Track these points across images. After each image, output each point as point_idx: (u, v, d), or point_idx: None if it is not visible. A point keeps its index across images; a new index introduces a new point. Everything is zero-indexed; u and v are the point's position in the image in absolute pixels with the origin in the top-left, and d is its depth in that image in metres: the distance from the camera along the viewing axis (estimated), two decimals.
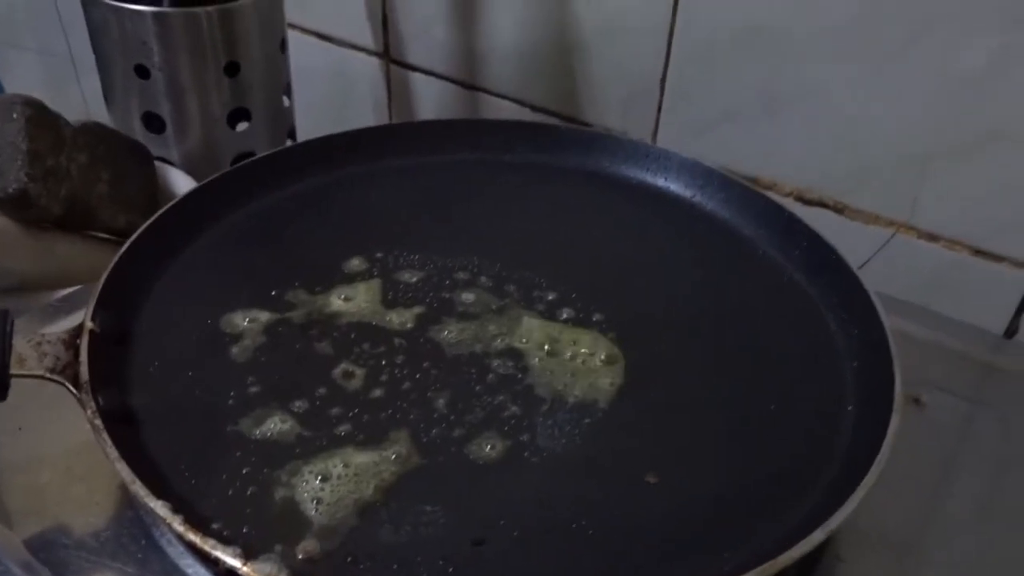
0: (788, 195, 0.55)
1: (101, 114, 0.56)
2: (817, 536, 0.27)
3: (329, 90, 0.73)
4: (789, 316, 0.40)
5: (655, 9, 0.54)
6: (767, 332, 0.39)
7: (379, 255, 0.41)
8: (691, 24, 0.54)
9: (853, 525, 0.34)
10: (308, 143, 0.48)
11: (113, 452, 0.29)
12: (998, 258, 0.49)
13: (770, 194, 0.55)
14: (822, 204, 0.54)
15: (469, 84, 0.65)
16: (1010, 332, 0.51)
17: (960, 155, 0.48)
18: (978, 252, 0.50)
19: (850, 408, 0.34)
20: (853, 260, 0.53)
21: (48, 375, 0.32)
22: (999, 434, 0.40)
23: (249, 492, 0.30)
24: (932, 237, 0.51)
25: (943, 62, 0.46)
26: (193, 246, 0.42)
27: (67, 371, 0.32)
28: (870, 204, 0.52)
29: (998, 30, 0.44)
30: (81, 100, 0.96)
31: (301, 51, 0.68)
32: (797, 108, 0.52)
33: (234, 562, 0.26)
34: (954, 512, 0.36)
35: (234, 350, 0.35)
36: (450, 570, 0.28)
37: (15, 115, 0.43)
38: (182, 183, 0.53)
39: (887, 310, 0.45)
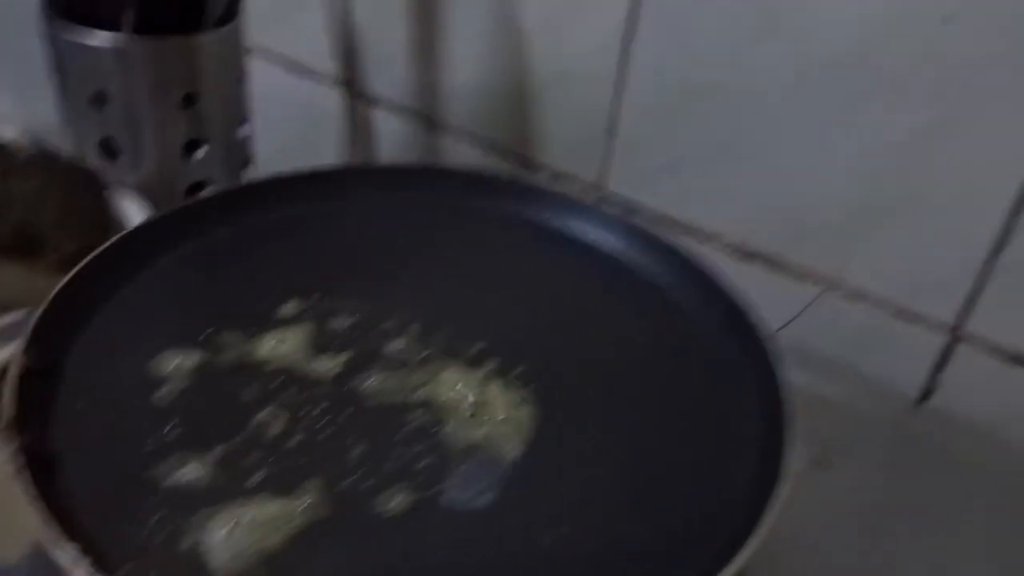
0: (727, 246, 0.57)
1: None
2: None
3: (292, 121, 0.74)
4: (705, 375, 0.41)
5: (607, 59, 0.56)
6: (681, 390, 0.40)
7: (314, 299, 0.43)
8: (641, 76, 0.55)
9: None
10: (257, 182, 0.50)
11: (31, 491, 0.30)
12: (916, 318, 0.51)
13: (710, 246, 0.57)
14: (758, 257, 0.56)
15: (428, 120, 0.67)
16: (926, 393, 0.53)
17: (886, 217, 0.50)
18: (899, 312, 0.52)
19: (753, 471, 0.36)
20: (785, 314, 0.55)
21: None
22: (904, 498, 0.42)
23: (159, 538, 0.31)
24: (858, 295, 0.53)
25: (873, 130, 0.48)
26: (134, 282, 0.43)
27: None
28: (804, 259, 0.54)
29: (921, 107, 0.46)
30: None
31: (265, 79, 0.70)
32: (739, 163, 0.54)
33: None
34: (856, 571, 0.38)
35: (160, 392, 0.37)
36: None
37: None
38: (134, 211, 0.54)
39: (809, 368, 0.48)
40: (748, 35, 0.50)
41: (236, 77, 0.57)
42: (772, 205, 0.54)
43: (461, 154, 0.66)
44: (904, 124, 0.47)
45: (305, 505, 0.33)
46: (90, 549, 0.29)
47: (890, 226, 0.50)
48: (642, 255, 0.48)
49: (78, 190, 0.51)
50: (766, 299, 0.44)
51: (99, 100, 0.53)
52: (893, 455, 0.44)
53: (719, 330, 0.43)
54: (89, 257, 0.42)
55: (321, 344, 0.40)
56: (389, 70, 0.67)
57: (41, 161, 0.49)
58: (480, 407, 0.38)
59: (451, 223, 0.50)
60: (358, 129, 0.72)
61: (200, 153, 0.57)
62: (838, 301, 0.54)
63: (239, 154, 0.60)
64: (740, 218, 0.56)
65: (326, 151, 0.74)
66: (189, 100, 0.55)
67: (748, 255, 0.56)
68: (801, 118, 0.50)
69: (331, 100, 0.72)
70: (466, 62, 0.63)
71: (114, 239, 0.44)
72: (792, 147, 0.52)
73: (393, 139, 0.70)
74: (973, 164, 0.46)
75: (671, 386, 0.41)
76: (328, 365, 0.39)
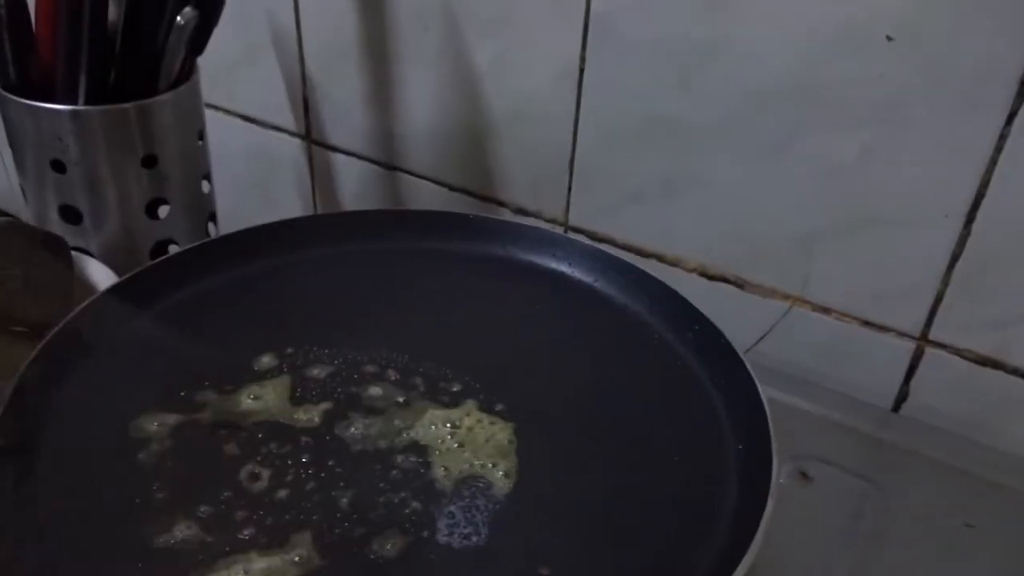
0: (693, 271, 0.58)
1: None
2: None
3: (253, 171, 0.74)
4: (681, 399, 0.42)
5: (560, 98, 0.57)
6: (662, 415, 0.41)
7: (290, 351, 0.43)
8: (594, 113, 0.57)
9: None
10: (222, 238, 0.50)
11: (19, 569, 0.30)
12: (884, 328, 0.53)
13: (675, 271, 0.58)
14: (724, 279, 0.57)
15: (389, 165, 0.68)
16: (900, 399, 0.54)
17: (841, 235, 0.52)
18: (866, 323, 0.53)
19: (734, 491, 0.36)
20: (755, 332, 0.56)
21: None
22: (882, 506, 0.43)
23: None
24: (824, 310, 0.54)
25: (819, 154, 0.50)
26: (105, 346, 0.42)
27: None
28: (767, 279, 0.56)
29: (865, 125, 0.48)
30: (5, 177, 0.95)
31: (225, 133, 0.70)
32: (692, 191, 0.55)
33: None
34: None
35: (141, 455, 0.36)
36: None
37: None
38: (99, 274, 0.53)
39: (782, 384, 0.48)
40: (692, 66, 0.51)
41: (195, 135, 0.57)
42: (730, 229, 0.56)
43: (424, 197, 0.67)
44: (852, 143, 0.49)
45: (297, 558, 0.32)
46: None
47: (847, 242, 0.52)
48: (611, 283, 0.49)
49: (42, 257, 0.50)
50: (734, 319, 0.45)
51: (58, 167, 0.53)
52: (871, 463, 0.45)
53: (693, 353, 0.44)
54: (57, 328, 0.41)
55: (300, 395, 0.40)
56: (346, 120, 0.68)
57: (3, 231, 0.48)
58: (464, 445, 0.38)
59: (418, 266, 0.51)
60: (320, 178, 0.73)
61: (163, 212, 0.57)
62: (805, 317, 0.55)
63: (202, 210, 0.60)
64: (701, 244, 0.57)
65: (288, 202, 0.74)
66: (149, 161, 0.55)
67: (712, 278, 0.57)
68: (750, 144, 0.52)
69: (290, 152, 0.73)
70: (422, 106, 0.64)
71: (81, 306, 0.43)
72: (744, 173, 0.53)
73: (355, 186, 0.70)
74: (922, 178, 0.48)
75: (649, 412, 0.41)
76: (309, 415, 0.39)
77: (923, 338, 0.52)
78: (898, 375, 0.54)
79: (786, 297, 0.55)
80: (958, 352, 0.51)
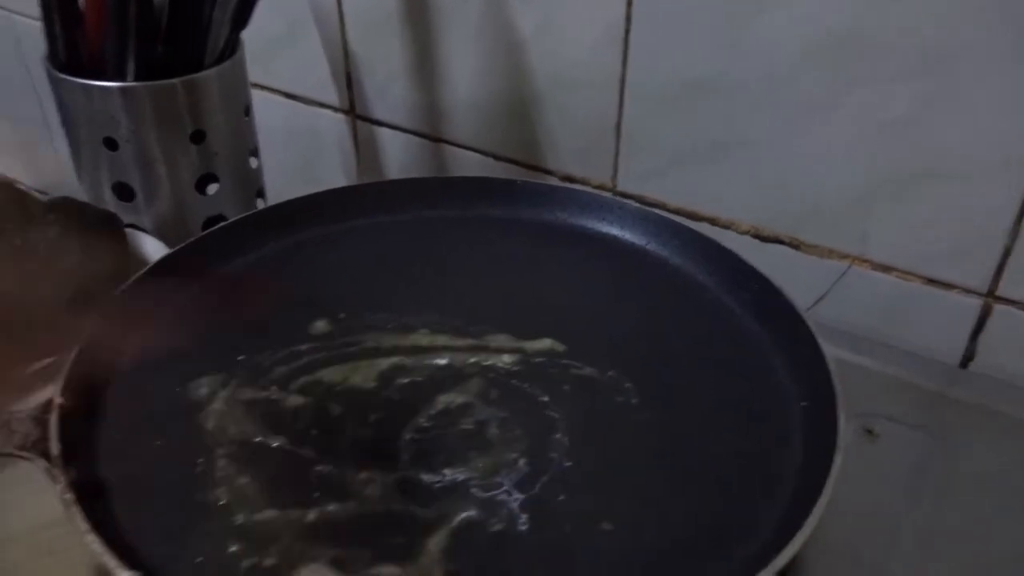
0: (746, 233, 0.57)
1: (73, 173, 0.58)
2: None
3: (298, 148, 0.75)
4: (743, 358, 0.41)
5: (606, 62, 0.56)
6: (722, 374, 0.40)
7: (342, 315, 0.43)
8: (640, 77, 0.56)
9: (809, 556, 0.36)
10: (272, 208, 0.50)
11: (83, 525, 0.30)
12: (948, 286, 0.51)
13: (728, 233, 0.57)
14: (778, 241, 0.56)
15: (433, 137, 0.67)
16: (967, 358, 0.52)
17: (899, 191, 0.50)
18: (930, 281, 0.52)
19: (799, 447, 0.36)
20: (812, 293, 0.55)
21: (17, 452, 0.32)
22: (949, 462, 0.41)
23: (216, 561, 0.30)
24: (885, 268, 0.53)
25: (872, 108, 0.48)
26: (162, 313, 0.43)
27: (37, 447, 0.33)
28: (823, 239, 0.54)
29: (916, 76, 0.46)
30: (54, 161, 0.97)
31: (269, 111, 0.70)
32: (743, 152, 0.54)
33: None
34: (907, 538, 0.37)
35: (201, 417, 0.36)
36: None
37: None
38: (153, 248, 0.54)
39: (844, 343, 0.47)
40: (738, 23, 0.50)
41: (241, 110, 0.58)
42: (784, 190, 0.54)
43: (469, 168, 0.66)
44: (906, 95, 0.47)
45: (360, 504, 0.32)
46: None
47: (906, 198, 0.50)
48: (664, 246, 0.48)
49: (97, 233, 0.51)
50: (790, 281, 0.44)
51: (110, 145, 0.54)
52: (937, 420, 0.44)
53: (751, 312, 0.43)
54: (115, 296, 0.42)
55: (355, 357, 0.40)
56: (389, 93, 0.68)
57: (60, 208, 0.49)
58: (519, 409, 0.38)
59: (466, 233, 0.50)
60: (364, 153, 0.73)
61: (212, 188, 0.57)
62: (865, 276, 0.53)
63: (250, 186, 0.60)
64: (753, 205, 0.56)
65: (333, 179, 0.74)
66: (198, 137, 0.55)
67: (766, 240, 0.56)
68: (800, 101, 0.51)
69: (334, 127, 0.73)
70: (465, 76, 0.63)
71: (137, 275, 0.44)
72: (795, 132, 0.52)
73: (400, 160, 0.70)
74: (980, 128, 0.46)
75: (709, 372, 0.40)
76: (364, 377, 0.39)
77: (990, 294, 0.50)
78: (964, 333, 0.52)
79: (844, 257, 0.54)
80: None
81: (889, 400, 0.44)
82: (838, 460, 0.32)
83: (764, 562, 0.29)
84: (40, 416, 0.34)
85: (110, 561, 0.29)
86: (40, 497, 0.33)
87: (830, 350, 0.38)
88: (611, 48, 0.55)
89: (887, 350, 0.49)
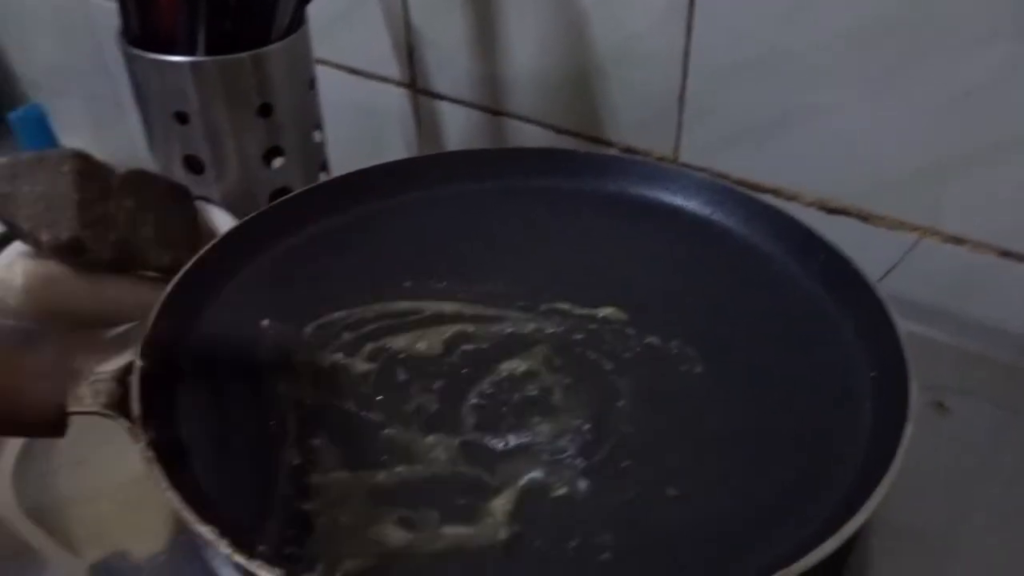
0: (811, 204, 0.56)
1: (144, 151, 0.60)
2: (830, 545, 0.28)
3: (360, 122, 0.75)
4: (809, 327, 0.40)
5: (669, 33, 0.56)
6: (788, 344, 0.40)
7: (407, 284, 0.43)
8: (704, 47, 0.55)
9: (878, 528, 0.35)
10: (337, 179, 0.51)
11: (163, 482, 0.31)
12: (1022, 259, 0.50)
13: (793, 204, 0.56)
14: (845, 212, 0.55)
15: (494, 110, 0.67)
16: None
17: (975, 162, 0.49)
18: (1005, 254, 0.50)
19: (868, 416, 0.35)
20: (881, 265, 0.54)
21: (102, 411, 0.34)
22: (1020, 438, 0.40)
23: (292, 516, 0.31)
24: (957, 240, 0.51)
25: (946, 75, 0.47)
26: (233, 282, 0.44)
27: (120, 406, 0.34)
28: (893, 211, 0.53)
29: (998, 42, 0.45)
30: (127, 139, 1.00)
31: (331, 86, 0.71)
32: (810, 123, 0.53)
33: None
34: (978, 515, 0.37)
35: (273, 380, 0.38)
36: None
37: (65, 168, 0.46)
38: (222, 220, 0.55)
39: (913, 316, 0.46)
40: None
41: (306, 84, 0.58)
42: (851, 161, 0.53)
43: (530, 141, 0.66)
44: (985, 61, 0.45)
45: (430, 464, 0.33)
46: (227, 531, 0.29)
47: (982, 168, 0.49)
48: (729, 216, 0.47)
49: (170, 205, 0.52)
50: (858, 254, 0.43)
51: (181, 119, 0.55)
52: (1013, 394, 0.43)
53: (819, 282, 0.42)
54: (191, 262, 0.43)
55: (421, 325, 0.41)
56: (450, 66, 0.68)
57: (134, 181, 0.50)
58: (585, 378, 0.38)
59: (528, 203, 0.50)
60: (425, 127, 0.73)
61: (279, 161, 0.59)
62: (936, 249, 0.52)
63: (314, 159, 0.61)
64: (819, 177, 0.55)
65: (395, 152, 0.75)
66: (265, 110, 0.56)
67: (832, 211, 0.55)
68: (870, 70, 0.49)
69: (396, 102, 0.73)
70: (526, 49, 0.63)
71: (212, 243, 0.45)
72: (864, 101, 0.50)
73: (461, 133, 0.71)
74: None
75: (777, 342, 0.40)
76: (431, 343, 0.39)
77: None
78: None
79: (915, 229, 0.53)
80: None
81: (961, 374, 0.43)
82: (909, 429, 0.32)
83: (831, 531, 0.29)
84: (122, 377, 0.35)
85: (188, 516, 0.30)
86: (124, 455, 0.34)
87: (904, 323, 0.37)
88: (675, 19, 0.55)
89: (958, 323, 0.48)
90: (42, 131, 0.97)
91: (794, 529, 0.31)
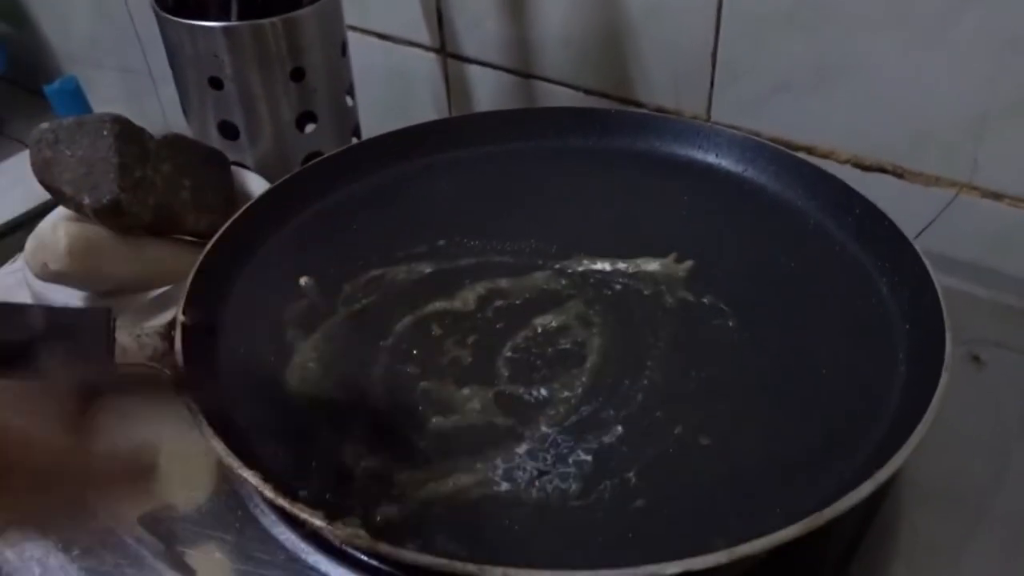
0: (846, 162, 0.55)
1: (178, 122, 0.60)
2: (864, 490, 0.28)
3: (390, 87, 0.76)
4: (843, 282, 0.40)
5: None
6: (821, 298, 0.40)
7: (441, 243, 0.44)
8: (738, 1, 0.54)
9: (913, 478, 0.35)
10: (369, 141, 0.51)
11: (208, 431, 0.32)
12: None
13: (827, 162, 0.55)
14: (881, 169, 0.54)
15: (524, 73, 0.67)
16: None
17: (1017, 114, 0.48)
18: None
19: (903, 368, 0.35)
20: (916, 223, 0.53)
21: (148, 364, 0.35)
22: None
23: (334, 465, 0.32)
24: (996, 196, 0.51)
25: (990, 25, 0.46)
26: (269, 242, 0.45)
27: (165, 360, 0.35)
28: (930, 167, 0.52)
29: None
30: (160, 111, 1.01)
31: (362, 52, 0.71)
32: (848, 77, 0.52)
33: (320, 523, 0.28)
34: (1013, 466, 0.37)
35: (311, 333, 0.38)
36: (513, 527, 0.30)
37: (105, 132, 0.47)
38: (257, 185, 0.56)
39: (950, 271, 0.46)
40: None
41: (338, 48, 0.59)
42: (888, 116, 0.52)
43: (560, 103, 0.66)
44: (1021, 14, 0.44)
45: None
46: (270, 477, 0.30)
47: (1019, 122, 0.48)
48: (762, 172, 0.47)
49: (206, 170, 0.53)
50: (894, 211, 0.42)
51: (215, 84, 0.56)
52: None
53: (853, 237, 0.42)
54: (228, 223, 0.44)
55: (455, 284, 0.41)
56: (480, 30, 0.68)
57: (172, 147, 0.51)
58: (620, 329, 0.38)
59: (560, 163, 0.51)
60: (455, 91, 0.73)
61: (311, 126, 0.59)
62: (973, 205, 0.51)
63: (346, 124, 0.62)
64: (855, 133, 0.54)
65: (425, 116, 0.75)
66: (297, 75, 0.57)
67: (867, 169, 0.54)
68: (912, 22, 0.48)
69: (426, 66, 0.73)
70: (555, 9, 0.63)
71: (246, 206, 0.46)
72: (904, 54, 0.49)
73: (491, 97, 0.70)
74: None
75: (812, 296, 0.40)
76: (464, 299, 0.40)
77: None
78: None
79: (952, 184, 0.52)
80: None
81: (997, 327, 0.43)
82: (945, 378, 0.32)
83: (864, 478, 0.29)
84: (166, 333, 0.36)
85: (233, 463, 0.31)
86: (170, 407, 0.35)
87: (939, 276, 0.37)
88: None
89: (995, 278, 0.48)
90: (78, 103, 0.98)
91: (827, 478, 0.31)
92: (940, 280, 0.37)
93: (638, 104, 0.62)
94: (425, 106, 0.75)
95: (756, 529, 0.27)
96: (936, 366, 0.33)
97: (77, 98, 0.99)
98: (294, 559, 0.32)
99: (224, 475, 0.36)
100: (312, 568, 0.32)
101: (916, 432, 0.30)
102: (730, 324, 0.38)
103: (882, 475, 0.28)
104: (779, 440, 0.33)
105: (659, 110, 0.61)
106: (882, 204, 0.43)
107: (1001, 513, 0.34)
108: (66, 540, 0.34)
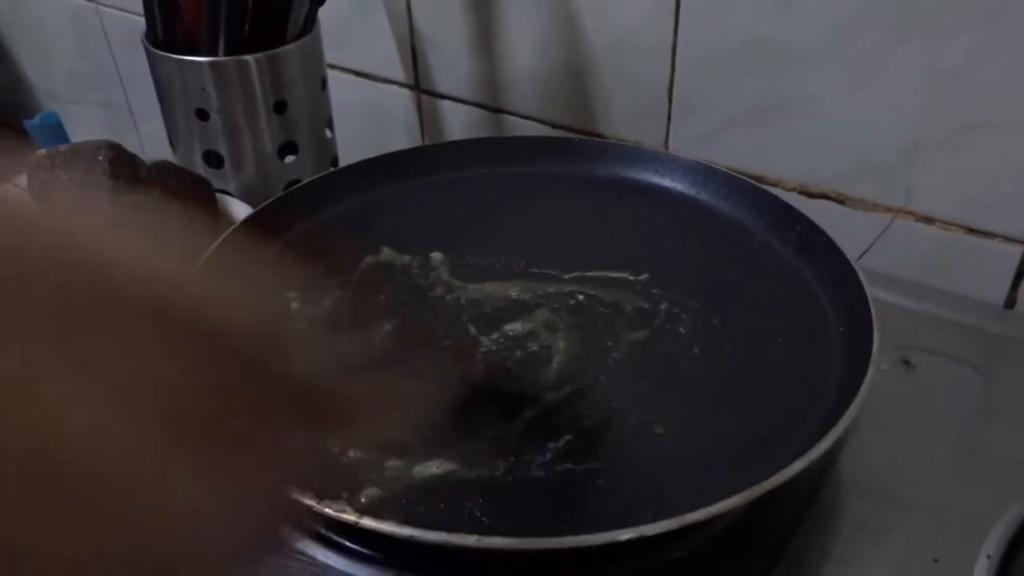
0: (793, 190, 0.59)
1: (157, 155, 0.63)
2: (798, 465, 0.31)
3: (367, 121, 0.79)
4: (784, 293, 0.44)
5: (658, 27, 0.59)
6: (766, 306, 0.44)
7: (416, 260, 0.47)
8: (691, 41, 0.59)
9: (851, 467, 0.39)
10: (347, 168, 0.54)
11: None
12: (990, 235, 0.53)
13: (776, 190, 0.59)
14: (825, 196, 0.58)
15: (493, 107, 0.71)
16: (1008, 306, 0.54)
17: (946, 144, 0.52)
18: (972, 231, 0.54)
19: (837, 367, 0.39)
20: (857, 245, 0.57)
21: None
22: (983, 392, 0.44)
23: (321, 454, 0.35)
24: (928, 219, 0.55)
25: (923, 61, 0.51)
26: (248, 265, 0.47)
27: None
28: (869, 193, 0.57)
29: (969, 29, 0.48)
30: (139, 146, 1.04)
31: (341, 88, 0.75)
32: (794, 112, 0.57)
33: (309, 501, 0.31)
34: (937, 458, 0.40)
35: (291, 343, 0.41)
36: (488, 506, 0.33)
37: (100, 157, 0.50)
38: (240, 210, 0.59)
39: (888, 288, 0.50)
40: None
41: (318, 82, 0.62)
42: (831, 147, 0.57)
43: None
44: (956, 49, 0.49)
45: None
46: None
47: (952, 150, 0.52)
48: (713, 194, 0.51)
49: (192, 195, 0.56)
50: (836, 234, 0.46)
51: (202, 116, 0.59)
52: (977, 353, 0.46)
53: (795, 252, 0.46)
54: (213, 244, 0.47)
55: (431, 296, 0.44)
56: (452, 67, 0.72)
57: (161, 172, 0.54)
58: (579, 337, 0.42)
59: (528, 187, 0.54)
60: (429, 126, 0.77)
61: (292, 157, 0.62)
62: (909, 228, 0.56)
63: (326, 154, 0.65)
64: (802, 163, 0.58)
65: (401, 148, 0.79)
66: (280, 107, 0.60)
67: (812, 196, 0.59)
68: (851, 59, 0.53)
69: (401, 102, 0.77)
70: (524, 48, 0.67)
71: (231, 228, 0.49)
72: (844, 90, 0.54)
73: (463, 131, 0.74)
74: None
75: (757, 305, 0.44)
76: (442, 308, 0.43)
77: None
78: (1005, 281, 0.54)
79: (888, 209, 0.56)
80: None
81: (928, 336, 0.47)
82: (871, 372, 0.35)
83: (800, 455, 0.32)
84: None
85: None
86: None
87: (874, 292, 0.40)
88: (663, 13, 0.58)
89: (929, 292, 0.52)
90: (58, 138, 1.01)
91: (768, 461, 0.34)
92: (879, 295, 0.41)
93: (601, 136, 0.66)
94: (400, 139, 0.79)
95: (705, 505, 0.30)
96: (865, 363, 0.36)
97: (58, 133, 1.01)
98: (280, 544, 0.35)
99: None
100: (300, 552, 0.34)
101: (844, 417, 0.33)
102: (682, 330, 0.42)
103: (813, 454, 0.32)
104: (727, 430, 0.37)
105: (621, 142, 0.65)
106: (827, 228, 0.46)
107: (925, 500, 0.38)
108: None
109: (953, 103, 0.51)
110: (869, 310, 0.38)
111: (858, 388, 0.35)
